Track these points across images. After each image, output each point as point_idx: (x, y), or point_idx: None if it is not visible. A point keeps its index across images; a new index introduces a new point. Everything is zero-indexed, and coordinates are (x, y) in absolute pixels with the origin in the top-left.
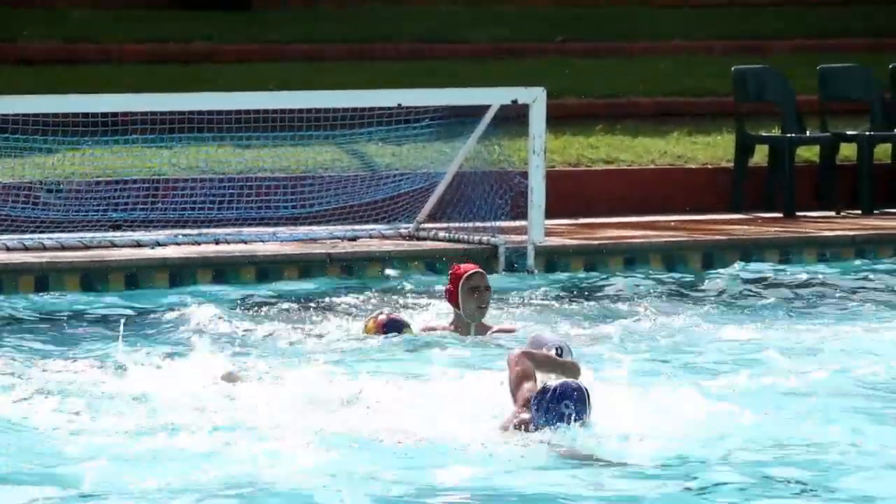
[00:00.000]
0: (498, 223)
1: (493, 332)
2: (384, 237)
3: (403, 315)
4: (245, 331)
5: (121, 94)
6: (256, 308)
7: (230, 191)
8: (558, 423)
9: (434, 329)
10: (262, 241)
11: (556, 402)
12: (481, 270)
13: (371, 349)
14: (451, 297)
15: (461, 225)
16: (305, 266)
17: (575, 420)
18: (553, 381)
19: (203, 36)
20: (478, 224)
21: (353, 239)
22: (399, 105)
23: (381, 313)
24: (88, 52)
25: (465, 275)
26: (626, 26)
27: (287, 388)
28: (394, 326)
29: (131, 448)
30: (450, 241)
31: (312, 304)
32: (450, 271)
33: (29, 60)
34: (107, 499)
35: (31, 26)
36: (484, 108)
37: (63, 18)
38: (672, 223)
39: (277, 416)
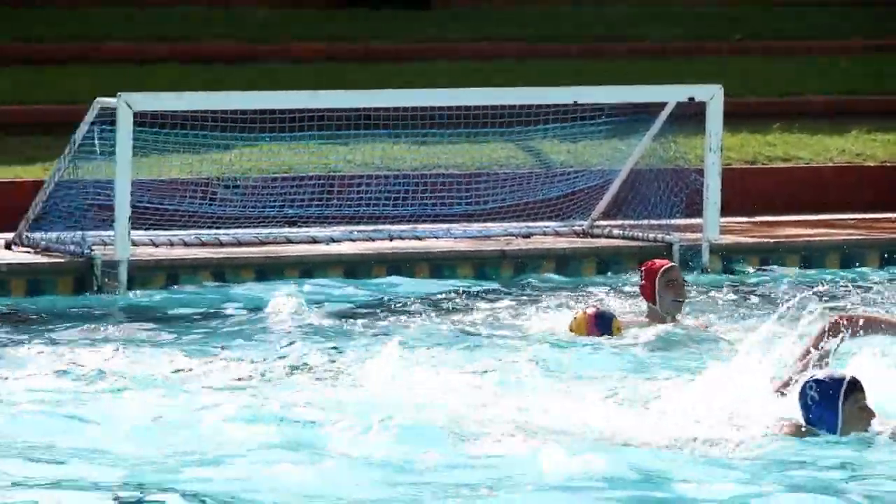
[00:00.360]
0: (672, 221)
1: (694, 327)
2: (558, 234)
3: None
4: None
5: (300, 91)
6: (459, 301)
7: (405, 187)
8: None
9: (630, 325)
10: (437, 238)
11: (806, 386)
12: (676, 264)
13: (591, 350)
14: (647, 292)
15: (635, 222)
16: (479, 263)
17: (813, 409)
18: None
19: (379, 35)
20: (652, 221)
21: (528, 236)
22: (575, 102)
23: (588, 308)
24: (267, 51)
25: (662, 269)
26: (802, 25)
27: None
28: (603, 320)
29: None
30: (624, 238)
31: (491, 302)
32: (642, 268)
33: (207, 59)
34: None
35: (209, 26)
36: (660, 106)
37: (242, 18)
38: (851, 221)
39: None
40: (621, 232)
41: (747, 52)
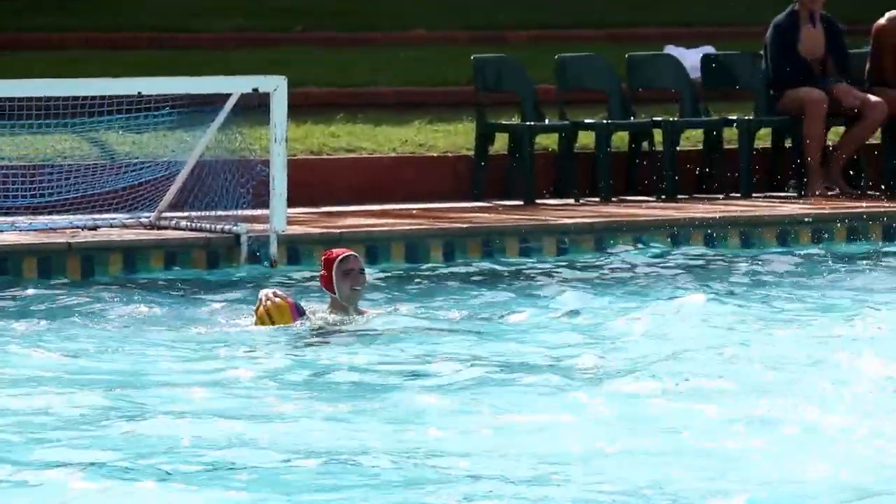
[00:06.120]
0: (240, 212)
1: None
2: (125, 226)
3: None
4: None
5: None
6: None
7: None
8: None
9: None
10: (1, 231)
11: None
12: (354, 253)
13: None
14: (326, 282)
15: (203, 214)
16: (44, 256)
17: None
18: None
19: None
20: (220, 213)
21: (94, 228)
22: (139, 93)
23: (275, 298)
24: None
25: (339, 258)
26: (367, 16)
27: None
28: (299, 306)
29: None
30: (192, 230)
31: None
32: (322, 257)
33: None
34: None
35: None
36: (225, 97)
37: None
38: (413, 211)
39: None
40: (189, 223)
41: (311, 43)
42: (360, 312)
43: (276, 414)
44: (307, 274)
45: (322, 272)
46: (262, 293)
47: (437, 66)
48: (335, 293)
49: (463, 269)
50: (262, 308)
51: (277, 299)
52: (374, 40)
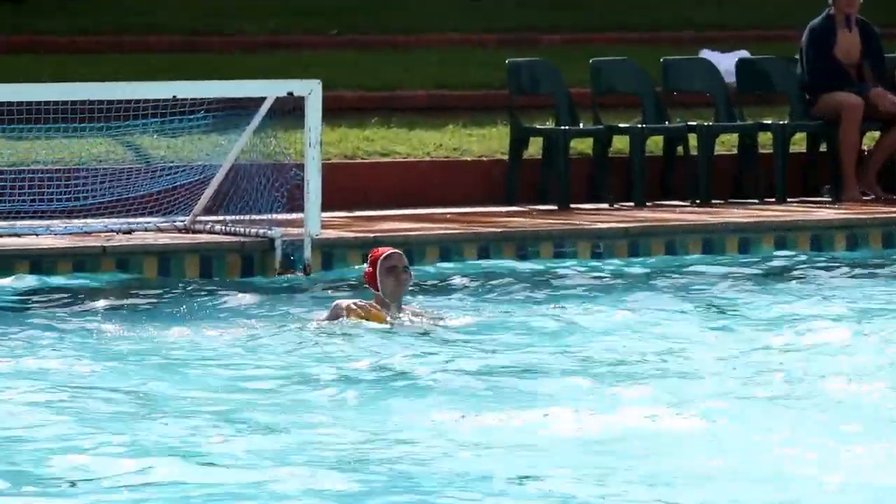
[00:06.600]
0: (274, 216)
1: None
2: (160, 230)
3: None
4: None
5: None
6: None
7: (2, 183)
8: None
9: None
10: (37, 235)
11: None
12: (399, 252)
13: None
14: (370, 278)
15: (237, 218)
16: (79, 259)
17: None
18: None
19: None
20: (254, 217)
21: (129, 232)
22: (174, 97)
23: (364, 301)
24: None
25: (383, 255)
26: (399, 19)
27: None
28: None
29: None
30: (226, 234)
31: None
32: (369, 255)
33: None
34: None
35: None
36: (260, 101)
37: None
38: (448, 215)
39: None
40: (223, 227)
41: (344, 47)
42: (402, 309)
43: (305, 408)
44: (338, 276)
45: (367, 269)
46: (344, 304)
47: (467, 68)
48: (379, 289)
49: (497, 273)
50: (353, 317)
51: (371, 309)
52: (406, 43)
